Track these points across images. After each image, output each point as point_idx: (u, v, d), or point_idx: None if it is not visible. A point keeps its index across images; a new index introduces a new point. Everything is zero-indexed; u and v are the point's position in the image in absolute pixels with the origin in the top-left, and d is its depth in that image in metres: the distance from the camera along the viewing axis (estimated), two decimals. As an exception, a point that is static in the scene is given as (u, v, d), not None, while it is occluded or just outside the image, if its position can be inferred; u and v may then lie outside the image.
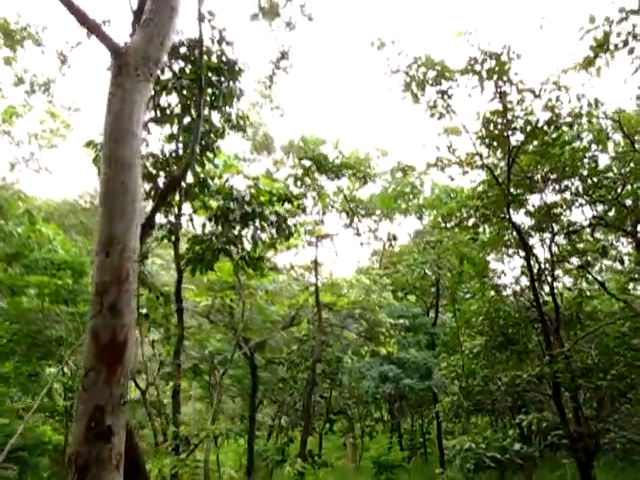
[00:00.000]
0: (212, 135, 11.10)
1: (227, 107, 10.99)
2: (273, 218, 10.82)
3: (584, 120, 11.62)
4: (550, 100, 11.05)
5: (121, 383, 4.14)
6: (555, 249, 13.49)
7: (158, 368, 17.08)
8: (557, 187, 12.77)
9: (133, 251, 4.63)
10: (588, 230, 13.88)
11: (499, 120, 11.35)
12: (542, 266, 13.33)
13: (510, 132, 11.47)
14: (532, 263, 12.70)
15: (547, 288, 13.40)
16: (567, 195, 12.87)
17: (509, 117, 11.30)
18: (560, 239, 13.63)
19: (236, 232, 10.91)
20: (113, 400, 4.03)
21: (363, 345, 21.92)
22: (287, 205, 11.89)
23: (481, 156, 12.01)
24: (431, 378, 20.85)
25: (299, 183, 17.38)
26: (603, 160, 12.61)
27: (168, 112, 10.85)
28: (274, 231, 11.24)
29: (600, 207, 13.04)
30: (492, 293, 15.75)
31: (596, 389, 11.99)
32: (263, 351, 19.07)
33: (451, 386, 18.58)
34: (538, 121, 11.26)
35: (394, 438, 25.52)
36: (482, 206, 12.61)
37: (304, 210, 16.62)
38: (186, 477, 9.67)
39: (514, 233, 12.99)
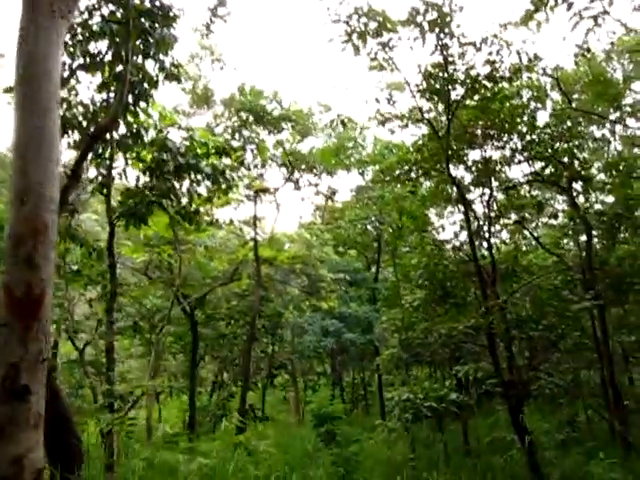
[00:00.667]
0: (145, 84, 10.55)
1: (161, 55, 10.44)
2: (209, 171, 10.48)
3: (524, 76, 11.68)
4: (491, 54, 11.01)
5: (39, 339, 3.89)
6: (493, 204, 13.70)
7: (96, 327, 16.69)
8: (496, 143, 12.88)
9: (52, 201, 4.31)
10: (526, 186, 14.15)
11: (440, 73, 11.26)
12: (480, 221, 13.54)
13: (451, 86, 11.40)
14: (471, 218, 12.86)
15: (485, 243, 13.65)
16: (506, 151, 13.01)
17: (450, 70, 11.21)
18: (498, 195, 13.84)
19: (171, 185, 10.54)
20: (30, 357, 3.79)
21: (304, 300, 22.01)
22: (226, 159, 11.54)
23: (421, 110, 11.93)
24: (372, 332, 21.20)
25: (237, 135, 16.97)
26: (541, 117, 12.79)
27: (98, 59, 10.22)
28: (211, 184, 10.93)
29: (538, 164, 13.27)
30: (432, 247, 15.96)
31: (529, 339, 12.41)
32: (203, 307, 18.90)
33: (391, 339, 18.95)
34: (479, 75, 11.22)
35: (336, 391, 25.95)
36: (422, 159, 12.61)
37: (242, 163, 16.28)
38: (123, 434, 9.49)
39: (454, 188, 13.08)
